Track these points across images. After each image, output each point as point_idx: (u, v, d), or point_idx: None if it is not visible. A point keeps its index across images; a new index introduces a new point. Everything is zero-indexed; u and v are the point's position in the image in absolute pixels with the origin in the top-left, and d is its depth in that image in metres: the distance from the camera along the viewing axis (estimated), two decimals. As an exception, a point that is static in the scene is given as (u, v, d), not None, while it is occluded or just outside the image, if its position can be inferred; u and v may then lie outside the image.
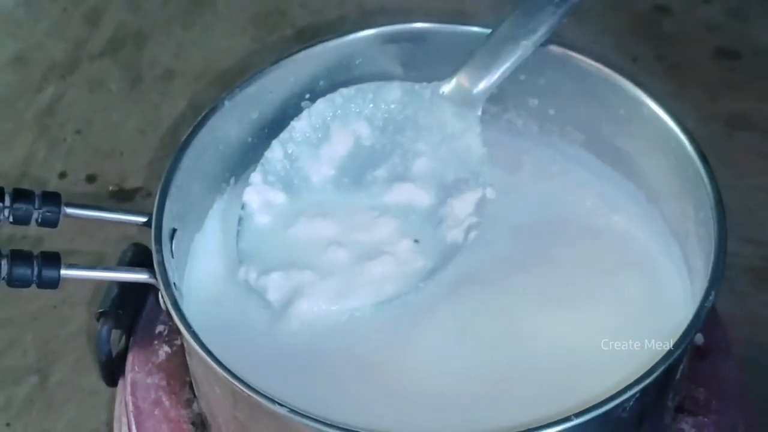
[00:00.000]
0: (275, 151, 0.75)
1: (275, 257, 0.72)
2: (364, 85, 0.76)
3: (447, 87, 0.75)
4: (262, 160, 0.75)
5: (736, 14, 1.26)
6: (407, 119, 0.76)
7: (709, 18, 1.26)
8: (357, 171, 0.76)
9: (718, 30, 1.25)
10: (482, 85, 0.74)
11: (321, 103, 0.75)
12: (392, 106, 0.76)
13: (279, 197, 0.74)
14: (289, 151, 0.75)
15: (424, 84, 0.75)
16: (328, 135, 0.75)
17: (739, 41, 1.24)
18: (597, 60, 0.75)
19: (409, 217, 0.74)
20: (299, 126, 0.75)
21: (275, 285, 0.71)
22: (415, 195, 0.74)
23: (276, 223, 0.74)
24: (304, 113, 0.75)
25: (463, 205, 0.73)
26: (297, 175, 0.75)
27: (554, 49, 0.75)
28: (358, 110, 0.76)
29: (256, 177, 0.74)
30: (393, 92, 0.76)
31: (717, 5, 1.27)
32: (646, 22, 1.25)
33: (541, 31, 0.73)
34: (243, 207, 0.74)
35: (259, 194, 0.74)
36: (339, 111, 0.75)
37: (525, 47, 0.73)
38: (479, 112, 0.74)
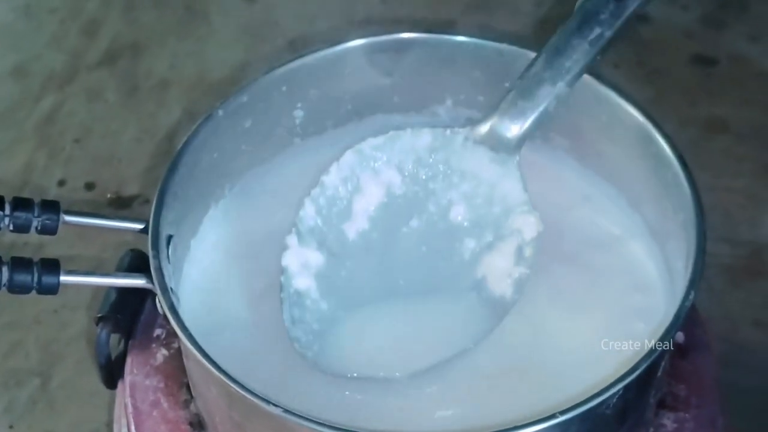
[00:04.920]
0: (308, 209, 0.71)
1: (321, 323, 0.70)
2: (393, 133, 0.72)
3: (480, 132, 0.72)
4: (296, 220, 0.71)
5: (712, 22, 1.27)
6: (439, 166, 0.72)
7: (686, 25, 1.27)
8: (391, 223, 0.73)
9: (696, 37, 1.26)
10: (520, 130, 0.70)
11: (349, 155, 0.72)
12: (422, 153, 0.72)
13: (316, 258, 0.71)
14: (322, 208, 0.72)
15: (456, 129, 0.72)
16: (358, 186, 0.72)
17: (715, 48, 1.25)
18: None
19: (448, 274, 0.72)
20: (329, 180, 0.72)
21: (325, 352, 0.70)
22: (453, 247, 0.72)
23: (318, 287, 0.71)
24: (333, 166, 0.72)
25: (504, 256, 0.71)
26: (331, 231, 0.72)
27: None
28: (387, 159, 0.72)
29: (292, 239, 0.71)
30: (423, 139, 0.72)
31: (694, 13, 1.28)
32: (625, 29, 1.27)
33: (577, 70, 0.69)
34: (283, 272, 0.71)
35: (297, 257, 0.71)
36: (368, 161, 0.72)
37: (561, 88, 0.69)
38: (518, 158, 0.71)
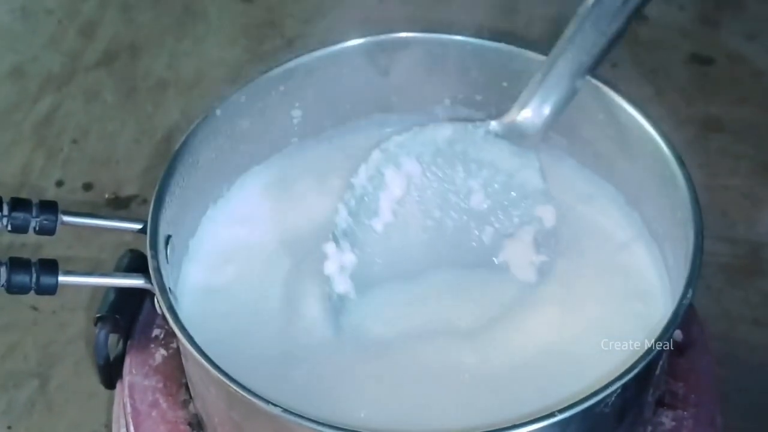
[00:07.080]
0: (341, 213, 0.72)
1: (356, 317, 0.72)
2: (416, 129, 0.73)
3: (501, 125, 0.74)
4: (332, 227, 0.72)
5: (709, 21, 1.28)
6: (458, 156, 0.74)
7: (683, 25, 1.27)
8: (415, 215, 0.74)
9: (693, 36, 1.27)
10: (540, 123, 0.73)
11: (375, 154, 0.73)
12: (442, 144, 0.74)
13: (350, 259, 0.72)
14: (352, 209, 0.72)
15: (477, 123, 0.74)
16: (383, 182, 0.73)
17: (712, 47, 1.25)
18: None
19: (471, 260, 0.74)
20: (357, 182, 0.72)
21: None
22: (473, 234, 0.74)
23: (355, 287, 0.72)
24: (361, 167, 0.73)
25: (524, 244, 0.74)
26: (360, 230, 0.73)
27: (536, 57, 0.76)
28: (408, 152, 0.73)
29: (330, 247, 0.72)
30: (443, 132, 0.74)
31: (691, 13, 1.29)
32: (623, 29, 1.27)
33: (592, 61, 0.72)
34: (327, 283, 0.72)
35: (336, 263, 0.72)
36: (392, 158, 0.73)
37: (577, 79, 0.72)
38: (537, 149, 0.73)
